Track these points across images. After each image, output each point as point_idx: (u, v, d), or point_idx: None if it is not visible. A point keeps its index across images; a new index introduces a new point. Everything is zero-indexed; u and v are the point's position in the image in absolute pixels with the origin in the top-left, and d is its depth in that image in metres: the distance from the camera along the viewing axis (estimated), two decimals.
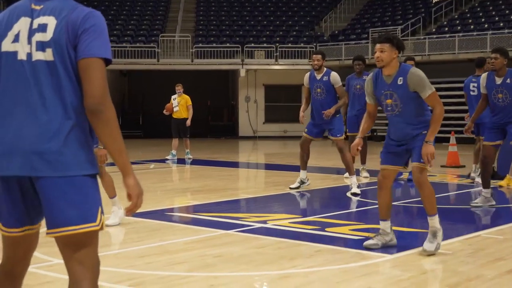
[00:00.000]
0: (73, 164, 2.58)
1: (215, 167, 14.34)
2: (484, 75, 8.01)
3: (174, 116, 15.65)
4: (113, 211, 7.05)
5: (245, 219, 7.38)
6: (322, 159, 14.52)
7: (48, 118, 2.56)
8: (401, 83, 5.52)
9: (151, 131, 26.74)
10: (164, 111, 15.66)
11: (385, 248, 5.81)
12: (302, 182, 10.06)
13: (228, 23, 29.75)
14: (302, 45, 27.18)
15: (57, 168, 2.55)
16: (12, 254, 2.80)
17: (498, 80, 7.77)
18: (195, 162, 15.37)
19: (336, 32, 28.67)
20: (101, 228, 2.67)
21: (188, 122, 15.57)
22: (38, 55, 2.59)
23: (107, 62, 2.60)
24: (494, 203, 8.17)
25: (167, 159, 15.48)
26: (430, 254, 5.55)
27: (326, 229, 6.74)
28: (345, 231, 6.67)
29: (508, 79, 7.72)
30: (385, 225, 5.85)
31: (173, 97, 15.90)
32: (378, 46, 5.54)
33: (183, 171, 14.16)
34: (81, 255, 2.65)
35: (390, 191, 5.89)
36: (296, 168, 14.40)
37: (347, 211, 8.40)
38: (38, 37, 2.59)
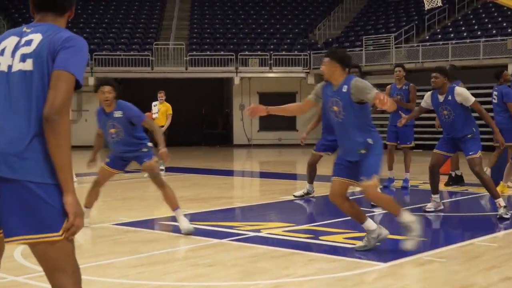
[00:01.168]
0: (34, 170, 2.63)
1: (209, 176, 14.32)
2: (428, 93, 8.29)
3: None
4: (180, 219, 6.99)
5: (239, 227, 7.35)
6: (319, 168, 14.50)
7: (16, 123, 2.66)
8: (345, 90, 5.84)
9: None
10: None
11: (378, 251, 5.80)
12: (307, 193, 10.04)
13: (222, 31, 29.78)
14: (296, 52, 27.22)
15: (16, 171, 2.61)
16: None
17: (441, 98, 8.05)
18: (189, 170, 15.33)
19: (330, 39, 28.72)
20: (66, 238, 2.66)
21: (163, 129, 14.83)
22: (18, 66, 2.75)
23: (77, 85, 2.72)
24: (442, 207, 8.49)
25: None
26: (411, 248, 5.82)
27: (320, 238, 6.72)
28: (339, 239, 6.65)
29: (450, 96, 7.96)
30: (367, 225, 6.05)
31: (154, 103, 15.57)
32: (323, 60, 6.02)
33: (177, 180, 14.13)
34: (56, 262, 2.69)
35: (347, 200, 6.14)
36: (290, 176, 14.42)
37: (341, 219, 8.37)
38: (22, 50, 2.76)
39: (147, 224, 7.92)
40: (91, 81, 25.56)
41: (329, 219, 8.03)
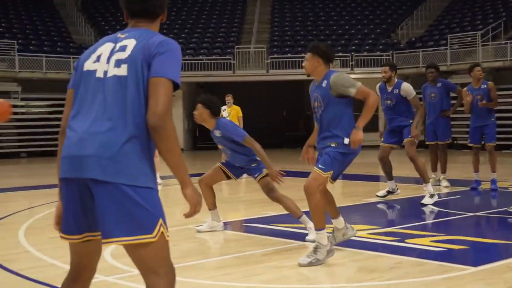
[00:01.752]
0: (127, 173, 2.69)
1: (291, 178, 14.29)
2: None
3: None
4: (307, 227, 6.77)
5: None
6: (401, 168, 14.24)
7: (109, 127, 2.72)
8: (324, 85, 5.69)
9: None
10: None
11: (348, 242, 6.00)
12: (390, 192, 9.92)
13: (303, 33, 29.73)
14: (378, 53, 26.85)
15: (109, 174, 2.67)
16: (77, 260, 2.95)
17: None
18: None
19: (413, 39, 28.17)
20: (160, 240, 2.73)
21: None
22: (113, 71, 2.81)
23: (176, 86, 2.76)
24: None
25: None
26: (302, 265, 5.51)
27: (406, 241, 6.58)
28: (426, 242, 6.49)
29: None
30: (336, 223, 5.98)
31: (222, 108, 15.65)
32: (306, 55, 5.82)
33: (253, 182, 14.17)
34: (150, 263, 2.74)
35: (321, 194, 5.70)
36: (373, 178, 14.20)
37: (427, 222, 8.19)
38: (117, 56, 2.83)
39: (232, 226, 7.98)
40: None
41: (414, 222, 7.87)
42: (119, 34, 2.94)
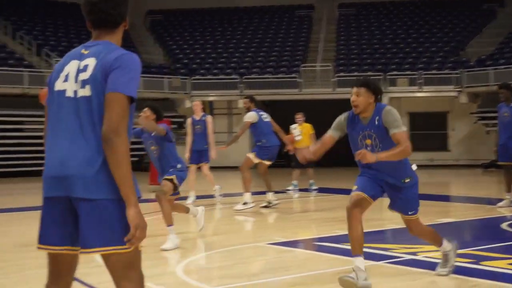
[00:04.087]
0: (108, 188, 2.83)
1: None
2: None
3: (298, 145, 15.07)
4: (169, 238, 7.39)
5: (393, 250, 7.17)
6: (474, 189, 13.92)
7: (86, 147, 2.86)
8: (377, 122, 5.40)
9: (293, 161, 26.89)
10: (288, 147, 14.27)
11: (422, 263, 5.48)
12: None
13: (370, 51, 29.53)
14: (447, 71, 26.39)
15: (92, 191, 2.82)
16: (55, 271, 3.05)
17: None
18: (337, 191, 15.23)
19: (483, 56, 27.57)
20: (133, 250, 2.85)
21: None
22: (81, 92, 2.92)
23: (132, 99, 2.87)
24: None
25: (288, 190, 15.27)
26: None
27: (481, 263, 6.39)
28: (503, 265, 6.28)
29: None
30: (359, 262, 5.44)
31: (292, 127, 15.52)
32: (354, 89, 5.45)
33: (327, 200, 14.08)
34: (122, 271, 2.88)
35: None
36: (444, 198, 13.89)
37: (502, 244, 7.93)
38: (82, 76, 2.93)
39: (302, 244, 7.94)
40: (241, 103, 26.27)
41: (489, 244, 7.64)
42: (82, 50, 3.02)
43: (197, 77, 27.61)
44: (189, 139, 12.68)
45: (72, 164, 2.85)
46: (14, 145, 21.90)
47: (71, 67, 2.98)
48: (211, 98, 27.05)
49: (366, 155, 5.04)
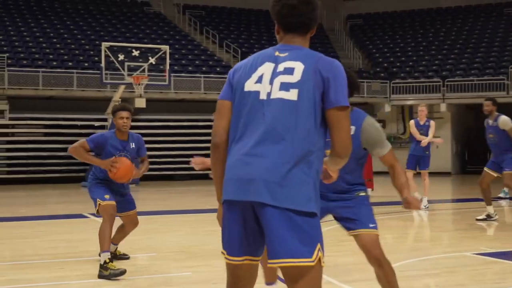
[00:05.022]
0: (293, 197, 2.68)
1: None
2: None
3: None
4: None
5: None
6: None
7: (278, 151, 2.71)
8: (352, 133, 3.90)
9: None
10: None
11: None
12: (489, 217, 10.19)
13: None
14: None
15: (276, 198, 2.67)
16: (233, 282, 2.91)
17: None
18: None
19: None
20: (318, 265, 2.69)
21: None
22: (278, 94, 2.78)
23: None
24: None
25: (500, 198, 14.28)
26: None
27: None
28: None
29: None
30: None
31: None
32: None
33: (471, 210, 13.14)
34: (304, 286, 2.71)
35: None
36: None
37: None
38: (283, 78, 2.79)
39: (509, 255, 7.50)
40: (443, 107, 25.46)
41: None
42: (276, 53, 2.88)
43: (397, 80, 27.19)
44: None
45: (257, 167, 2.72)
46: (189, 149, 22.29)
47: (265, 68, 2.84)
48: (409, 102, 26.49)
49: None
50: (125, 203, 6.83)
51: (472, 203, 13.16)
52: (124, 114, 6.57)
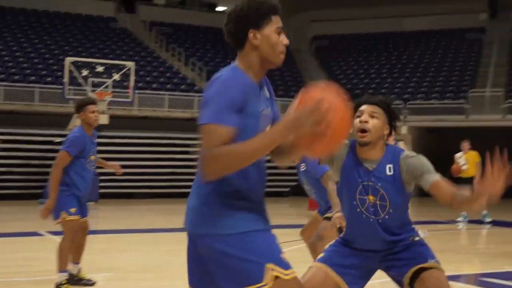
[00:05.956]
0: (209, 222, 2.54)
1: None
2: None
3: (463, 175, 14.29)
4: None
5: None
6: None
7: (195, 183, 2.65)
8: (391, 173, 3.43)
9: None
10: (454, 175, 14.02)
11: None
12: None
13: None
14: None
15: (197, 225, 2.58)
16: None
17: None
18: (505, 224, 14.43)
19: None
20: (278, 283, 2.45)
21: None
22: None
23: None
24: None
25: (458, 221, 14.45)
26: None
27: None
28: None
29: None
30: None
31: (457, 155, 14.94)
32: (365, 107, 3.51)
33: (495, 235, 13.38)
34: None
35: None
36: None
37: None
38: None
39: (467, 278, 7.62)
40: (404, 129, 25.81)
41: None
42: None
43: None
44: None
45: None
46: (181, 166, 22.81)
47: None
48: None
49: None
50: (84, 210, 6.26)
51: (430, 225, 13.32)
52: (95, 107, 6.20)
